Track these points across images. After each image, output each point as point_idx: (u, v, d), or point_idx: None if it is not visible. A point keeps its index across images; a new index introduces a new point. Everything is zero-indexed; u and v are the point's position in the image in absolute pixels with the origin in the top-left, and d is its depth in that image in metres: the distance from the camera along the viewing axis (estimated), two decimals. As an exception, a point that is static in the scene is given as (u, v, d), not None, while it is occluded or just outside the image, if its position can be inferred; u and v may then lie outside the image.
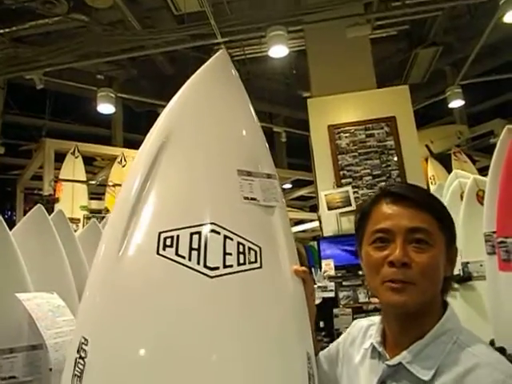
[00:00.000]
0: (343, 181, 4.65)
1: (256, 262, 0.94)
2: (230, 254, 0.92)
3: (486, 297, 2.19)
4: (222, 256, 0.91)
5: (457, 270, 2.59)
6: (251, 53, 6.46)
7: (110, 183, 6.11)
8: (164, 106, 1.10)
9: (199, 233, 0.92)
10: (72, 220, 5.24)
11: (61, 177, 5.96)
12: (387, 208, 0.93)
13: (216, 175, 1.00)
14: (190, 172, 0.99)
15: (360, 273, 3.89)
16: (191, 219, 0.93)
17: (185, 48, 5.32)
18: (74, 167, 6.05)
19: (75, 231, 2.98)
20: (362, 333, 1.05)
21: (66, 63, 5.17)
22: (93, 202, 6.33)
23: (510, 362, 0.83)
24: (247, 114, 1.12)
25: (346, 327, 1.15)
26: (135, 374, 0.80)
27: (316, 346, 1.11)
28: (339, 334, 1.18)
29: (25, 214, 1.93)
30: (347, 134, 4.78)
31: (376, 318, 1.03)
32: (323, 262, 4.16)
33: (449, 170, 5.88)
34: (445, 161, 6.53)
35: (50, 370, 1.31)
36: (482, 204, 2.15)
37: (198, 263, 0.89)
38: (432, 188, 5.20)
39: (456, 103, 6.51)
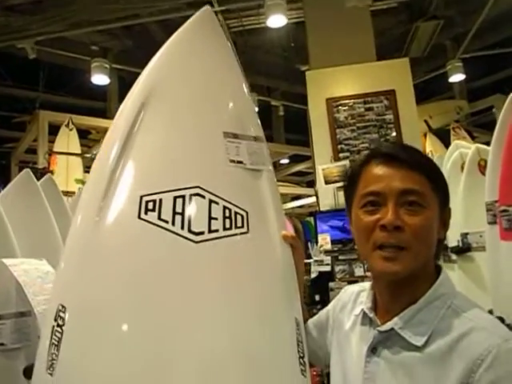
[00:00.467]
0: (341, 155, 4.58)
1: (243, 226, 0.90)
2: (216, 219, 0.88)
3: (486, 267, 2.16)
4: (207, 221, 0.87)
5: (455, 240, 2.59)
6: (249, 24, 6.31)
7: (105, 156, 6.02)
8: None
9: (183, 197, 0.87)
10: (67, 193, 5.19)
11: (55, 149, 5.88)
12: (378, 169, 0.88)
13: (201, 137, 0.95)
14: (173, 133, 0.94)
15: (356, 247, 3.88)
16: (175, 182, 0.88)
17: (180, 17, 5.18)
18: (68, 140, 5.96)
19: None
20: (353, 299, 1.02)
21: (57, 32, 5.05)
22: (88, 175, 6.25)
23: None
24: (234, 74, 1.07)
25: (342, 301, 1.11)
26: (115, 343, 0.77)
27: (305, 313, 1.08)
28: (335, 308, 1.15)
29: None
30: (346, 108, 4.69)
31: (367, 284, 1.00)
32: (319, 237, 4.13)
33: (447, 145, 5.80)
34: (443, 136, 6.46)
35: (39, 337, 1.28)
36: (483, 174, 2.10)
37: (182, 228, 0.85)
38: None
39: (456, 77, 6.41)
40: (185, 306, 0.80)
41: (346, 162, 4.38)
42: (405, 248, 0.82)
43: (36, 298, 1.22)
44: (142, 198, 0.85)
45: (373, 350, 0.87)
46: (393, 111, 4.60)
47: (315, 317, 1.13)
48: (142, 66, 1.02)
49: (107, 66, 5.92)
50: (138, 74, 1.00)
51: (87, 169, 6.41)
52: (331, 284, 3.69)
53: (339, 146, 4.65)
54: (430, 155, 6.17)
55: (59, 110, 6.29)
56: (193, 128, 0.95)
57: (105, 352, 0.76)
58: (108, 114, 7.69)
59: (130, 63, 6.47)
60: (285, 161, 8.86)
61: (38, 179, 2.00)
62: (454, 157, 2.89)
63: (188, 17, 1.06)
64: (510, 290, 1.81)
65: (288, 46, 7.25)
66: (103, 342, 0.77)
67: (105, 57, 6.35)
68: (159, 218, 0.84)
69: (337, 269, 3.84)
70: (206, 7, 1.08)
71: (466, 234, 2.46)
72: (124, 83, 7.63)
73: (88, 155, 6.36)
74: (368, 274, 3.66)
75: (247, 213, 0.92)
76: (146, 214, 0.84)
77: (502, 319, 1.72)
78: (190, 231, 0.84)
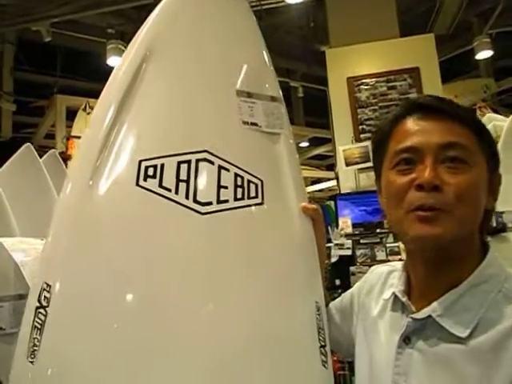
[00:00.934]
0: (362, 136, 4.43)
1: (257, 197, 0.79)
2: (226, 188, 0.77)
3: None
4: (215, 189, 0.77)
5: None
6: (268, 3, 6.15)
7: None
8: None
9: (189, 162, 0.77)
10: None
11: (73, 133, 5.85)
12: (414, 124, 0.75)
13: (210, 96, 0.84)
14: (178, 91, 0.83)
15: (378, 231, 3.77)
16: (179, 146, 0.78)
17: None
18: (85, 124, 5.93)
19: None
20: (382, 280, 0.89)
21: (72, 13, 4.97)
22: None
23: None
24: (250, 29, 0.95)
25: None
26: (108, 329, 0.67)
27: (326, 296, 0.97)
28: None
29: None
30: (367, 87, 4.53)
31: (398, 264, 0.86)
32: (340, 220, 4.02)
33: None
34: (469, 116, 6.21)
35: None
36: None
37: (187, 197, 0.74)
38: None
39: (484, 54, 6.15)
40: (189, 286, 0.70)
41: (368, 143, 4.23)
42: (445, 211, 0.69)
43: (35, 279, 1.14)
44: (140, 162, 0.75)
45: (405, 341, 0.74)
46: (417, 90, 4.42)
47: (337, 300, 1.00)
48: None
49: (123, 47, 5.82)
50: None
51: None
52: (352, 268, 3.59)
53: (360, 127, 4.51)
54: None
55: (76, 95, 6.25)
56: (201, 86, 0.85)
57: (96, 339, 0.67)
58: (125, 97, 7.62)
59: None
60: (304, 144, 8.71)
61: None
62: (488, 130, 2.69)
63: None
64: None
65: (307, 26, 7.06)
66: (94, 327, 0.67)
67: (121, 39, 6.26)
68: (160, 185, 0.74)
69: (358, 253, 3.74)
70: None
71: (501, 213, 2.30)
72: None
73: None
74: (391, 258, 3.55)
75: (262, 181, 0.81)
76: (145, 180, 0.73)
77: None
78: (195, 201, 0.74)
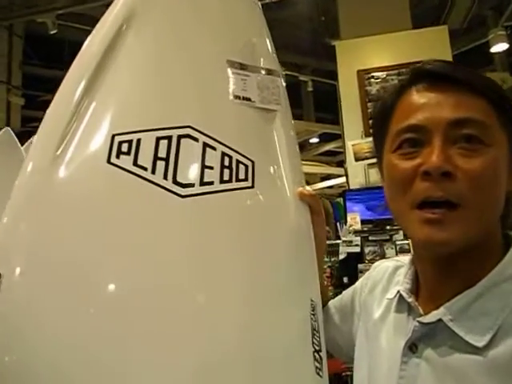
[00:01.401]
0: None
1: (246, 179, 0.70)
2: (211, 168, 0.68)
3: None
4: (199, 170, 0.67)
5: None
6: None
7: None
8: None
9: (169, 138, 0.67)
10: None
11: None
12: (419, 96, 0.62)
13: (197, 65, 0.75)
14: (160, 60, 0.74)
15: (388, 228, 3.67)
16: (159, 120, 0.69)
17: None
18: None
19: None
20: (387, 277, 0.78)
21: (76, 4, 4.91)
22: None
23: None
24: None
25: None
26: (68, 328, 0.58)
27: (325, 292, 0.87)
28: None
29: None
30: (378, 80, 4.42)
31: (406, 259, 0.75)
32: (349, 216, 3.93)
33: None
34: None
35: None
36: None
37: (165, 178, 0.65)
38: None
39: (499, 47, 5.99)
40: (164, 278, 0.60)
41: (378, 138, 4.13)
42: (458, 205, 0.57)
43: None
44: (114, 137, 0.66)
45: (411, 348, 0.62)
46: (429, 83, 4.29)
47: (337, 298, 0.90)
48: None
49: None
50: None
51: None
52: (360, 266, 3.50)
53: (371, 121, 4.38)
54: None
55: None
56: (186, 53, 0.75)
57: (58, 337, 0.57)
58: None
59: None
60: (314, 140, 8.60)
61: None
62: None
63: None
64: None
65: (318, 19, 6.95)
66: (57, 325, 0.58)
67: (129, 33, 6.21)
68: (135, 163, 0.64)
69: (366, 250, 3.65)
70: None
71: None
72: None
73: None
74: (400, 256, 3.44)
75: (253, 163, 0.72)
76: (117, 157, 0.64)
77: None
78: (175, 182, 0.65)
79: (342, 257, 3.71)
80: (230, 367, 0.59)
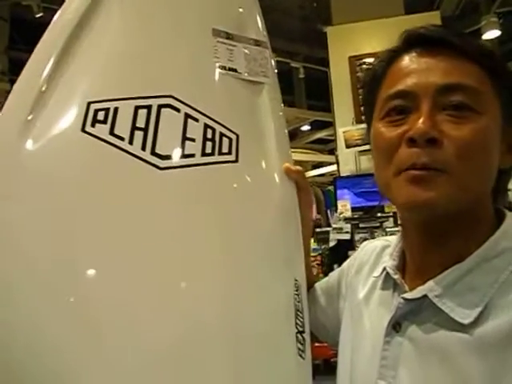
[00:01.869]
0: (363, 117, 4.29)
1: (230, 153, 0.67)
2: (193, 140, 0.65)
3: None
4: (179, 141, 0.64)
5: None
6: (268, -20, 5.97)
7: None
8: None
9: (149, 107, 0.64)
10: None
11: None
12: (410, 62, 0.59)
13: (181, 33, 0.71)
14: (141, 24, 0.70)
15: (378, 215, 3.66)
16: (139, 88, 0.65)
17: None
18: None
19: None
20: (374, 257, 0.74)
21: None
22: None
23: None
24: None
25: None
26: (39, 309, 0.54)
27: (311, 274, 0.84)
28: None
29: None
30: (370, 66, 4.38)
31: (394, 238, 0.71)
32: (339, 203, 3.92)
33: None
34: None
35: None
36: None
37: (143, 149, 0.62)
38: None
39: (491, 34, 5.96)
40: (140, 254, 0.57)
41: (370, 125, 4.11)
42: (443, 171, 0.54)
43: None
44: (89, 104, 0.62)
45: (395, 327, 0.59)
46: (421, 70, 4.28)
47: (324, 280, 0.86)
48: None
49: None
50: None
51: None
52: (350, 253, 3.47)
53: (362, 108, 4.34)
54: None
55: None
56: (170, 20, 0.72)
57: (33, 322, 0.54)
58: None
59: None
60: (306, 127, 8.57)
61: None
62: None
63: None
64: None
65: (310, 6, 6.88)
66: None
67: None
68: (111, 133, 0.61)
69: (357, 237, 3.64)
70: None
71: (508, 190, 2.17)
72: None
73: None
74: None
75: (238, 136, 0.68)
76: (92, 126, 0.60)
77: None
78: (153, 153, 0.61)
79: (332, 244, 3.71)
80: (209, 346, 0.56)
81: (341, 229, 3.68)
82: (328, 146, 9.11)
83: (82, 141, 0.60)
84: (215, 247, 0.61)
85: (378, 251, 0.74)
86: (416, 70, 0.57)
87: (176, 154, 0.63)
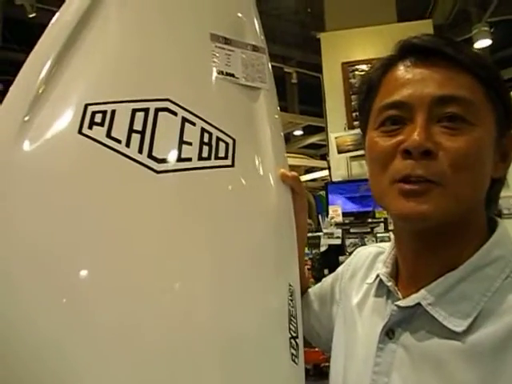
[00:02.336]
0: (355, 123, 4.30)
1: (226, 158, 0.67)
2: (190, 144, 0.65)
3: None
4: (176, 145, 0.64)
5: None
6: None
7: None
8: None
9: (146, 110, 0.64)
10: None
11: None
12: (405, 72, 0.59)
13: (179, 37, 0.71)
14: (140, 27, 0.70)
15: (369, 220, 3.68)
16: (137, 91, 0.65)
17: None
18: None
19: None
20: (368, 263, 0.75)
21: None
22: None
23: None
24: None
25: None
26: (32, 307, 0.54)
27: (305, 279, 0.84)
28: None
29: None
30: (362, 73, 4.41)
31: (388, 245, 0.72)
32: (330, 208, 3.93)
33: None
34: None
35: None
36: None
37: (140, 152, 0.62)
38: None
39: (483, 43, 6.03)
40: (135, 260, 0.57)
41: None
42: (437, 183, 0.54)
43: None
44: (87, 106, 0.62)
45: (388, 334, 0.59)
46: (413, 77, 4.31)
47: (317, 285, 0.86)
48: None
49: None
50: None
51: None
52: (341, 258, 3.49)
53: (354, 114, 4.39)
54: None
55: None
56: (168, 24, 0.72)
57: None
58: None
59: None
60: (298, 132, 8.59)
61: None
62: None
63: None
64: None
65: (304, 11, 6.92)
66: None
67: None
68: (109, 135, 0.61)
69: (347, 242, 3.65)
70: None
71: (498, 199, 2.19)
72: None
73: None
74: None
75: (234, 141, 0.69)
76: (90, 128, 0.60)
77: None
78: (150, 156, 0.61)
79: (323, 249, 3.72)
80: (202, 351, 0.56)
81: (332, 234, 3.68)
82: (320, 151, 9.13)
83: (78, 143, 0.59)
84: (209, 251, 0.61)
85: (372, 257, 0.75)
86: (411, 81, 0.58)
87: (172, 158, 0.63)
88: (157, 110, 0.64)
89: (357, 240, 3.60)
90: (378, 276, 0.66)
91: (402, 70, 0.59)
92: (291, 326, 0.63)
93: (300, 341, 0.64)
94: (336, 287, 0.80)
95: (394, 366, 0.57)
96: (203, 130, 0.66)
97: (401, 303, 0.59)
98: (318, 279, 3.43)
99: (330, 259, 3.51)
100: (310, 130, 8.47)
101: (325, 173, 6.98)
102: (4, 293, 0.55)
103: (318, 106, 5.82)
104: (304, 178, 7.79)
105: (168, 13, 0.73)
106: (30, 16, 4.95)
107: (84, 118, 0.61)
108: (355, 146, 4.08)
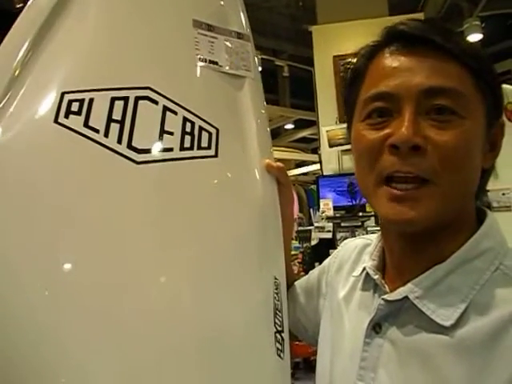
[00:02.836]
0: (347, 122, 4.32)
1: (209, 148, 0.65)
2: (171, 134, 0.63)
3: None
4: (157, 135, 0.62)
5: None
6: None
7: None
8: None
9: (125, 99, 0.62)
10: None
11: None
12: (392, 61, 0.56)
13: (160, 23, 0.69)
14: (119, 13, 0.68)
15: (360, 214, 3.68)
16: (115, 79, 0.63)
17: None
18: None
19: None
20: (355, 256, 0.73)
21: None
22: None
23: None
24: None
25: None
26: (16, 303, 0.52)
27: (291, 272, 0.82)
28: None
29: None
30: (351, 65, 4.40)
31: (375, 237, 0.70)
32: (321, 202, 3.93)
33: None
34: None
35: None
36: (511, 121, 1.80)
37: (119, 142, 0.60)
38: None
39: (474, 37, 6.03)
40: (115, 254, 0.55)
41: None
42: (428, 181, 0.53)
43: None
44: (63, 95, 0.59)
45: (375, 328, 0.58)
46: (404, 70, 4.31)
47: (303, 278, 0.85)
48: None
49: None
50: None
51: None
52: (332, 252, 3.47)
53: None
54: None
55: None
56: (149, 10, 0.69)
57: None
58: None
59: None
60: (290, 126, 8.57)
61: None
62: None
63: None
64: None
65: (296, 5, 6.88)
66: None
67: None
68: (86, 124, 0.58)
69: (338, 236, 3.66)
70: None
71: (486, 191, 2.18)
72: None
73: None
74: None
75: (218, 130, 0.67)
76: (66, 117, 0.58)
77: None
78: (129, 147, 0.59)
79: (313, 243, 3.72)
80: (185, 346, 0.54)
81: (323, 228, 3.69)
82: (311, 145, 9.12)
83: (54, 132, 0.57)
84: (192, 244, 0.59)
85: (359, 250, 0.73)
86: (398, 70, 0.55)
87: (153, 148, 0.61)
88: (137, 99, 0.62)
89: (348, 234, 3.60)
90: (364, 269, 0.65)
91: (389, 58, 0.57)
92: (276, 320, 0.61)
93: (286, 335, 0.63)
94: (322, 280, 0.79)
95: (381, 362, 0.56)
96: (185, 120, 0.64)
97: (388, 297, 0.58)
98: (308, 273, 3.42)
99: (321, 253, 3.51)
100: (301, 124, 8.46)
101: (316, 167, 6.97)
102: None
103: (310, 100, 5.80)
104: (295, 171, 7.78)
105: (149, 2, 0.70)
106: (18, 6, 4.90)
107: (60, 106, 0.58)
108: (346, 139, 4.05)
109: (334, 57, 4.42)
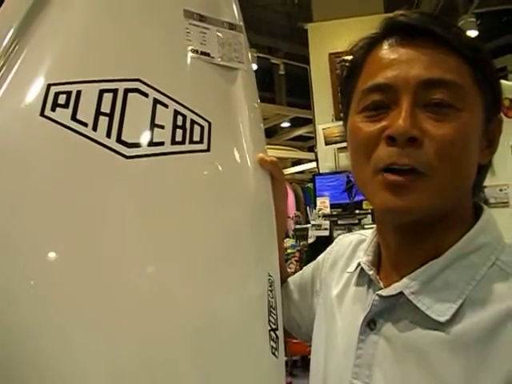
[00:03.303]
0: (343, 114, 4.31)
1: (201, 142, 0.63)
2: (162, 128, 0.61)
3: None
4: (147, 128, 0.60)
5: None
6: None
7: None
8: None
9: (114, 91, 0.60)
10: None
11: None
12: (390, 52, 0.55)
13: (150, 12, 0.68)
14: (109, 2, 0.66)
15: (357, 211, 3.67)
16: (104, 71, 0.61)
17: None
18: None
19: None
20: (349, 251, 0.72)
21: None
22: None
23: None
24: None
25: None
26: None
27: (284, 269, 0.81)
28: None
29: None
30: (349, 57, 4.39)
31: (370, 232, 0.69)
32: (318, 200, 3.92)
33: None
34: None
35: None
36: (508, 116, 1.80)
37: (109, 136, 0.58)
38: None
39: (469, 34, 6.00)
40: (104, 250, 0.54)
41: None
42: (424, 174, 0.52)
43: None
44: (49, 86, 0.57)
45: (370, 324, 0.57)
46: (400, 68, 4.31)
47: (297, 274, 0.84)
48: None
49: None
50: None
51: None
52: (329, 250, 3.48)
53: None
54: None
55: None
56: (139, 0, 0.68)
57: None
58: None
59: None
60: (286, 124, 8.57)
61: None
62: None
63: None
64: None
65: (291, 2, 6.87)
66: None
67: None
68: (74, 118, 0.57)
69: (335, 234, 3.63)
70: None
71: (483, 187, 2.18)
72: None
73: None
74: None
75: (210, 124, 0.65)
76: (53, 110, 0.56)
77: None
78: (119, 141, 0.58)
79: (310, 241, 3.70)
80: (179, 345, 0.53)
81: (320, 226, 3.68)
82: (308, 143, 9.11)
83: (40, 126, 0.55)
84: (184, 240, 0.58)
85: (353, 246, 0.73)
86: (396, 62, 0.54)
87: (144, 142, 0.59)
88: (126, 91, 0.60)
89: (345, 231, 3.60)
90: (359, 265, 0.64)
91: (387, 50, 0.56)
92: (271, 318, 0.60)
93: (280, 333, 0.62)
94: (316, 276, 0.77)
95: (376, 359, 0.55)
96: (176, 113, 0.63)
97: (382, 292, 0.57)
98: (304, 270, 3.42)
99: (318, 251, 3.49)
100: (297, 122, 8.45)
101: (312, 165, 6.96)
102: None
103: (306, 98, 5.79)
104: (292, 170, 7.78)
105: None
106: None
107: (46, 99, 0.57)
108: (342, 137, 4.05)
109: (330, 54, 4.42)
